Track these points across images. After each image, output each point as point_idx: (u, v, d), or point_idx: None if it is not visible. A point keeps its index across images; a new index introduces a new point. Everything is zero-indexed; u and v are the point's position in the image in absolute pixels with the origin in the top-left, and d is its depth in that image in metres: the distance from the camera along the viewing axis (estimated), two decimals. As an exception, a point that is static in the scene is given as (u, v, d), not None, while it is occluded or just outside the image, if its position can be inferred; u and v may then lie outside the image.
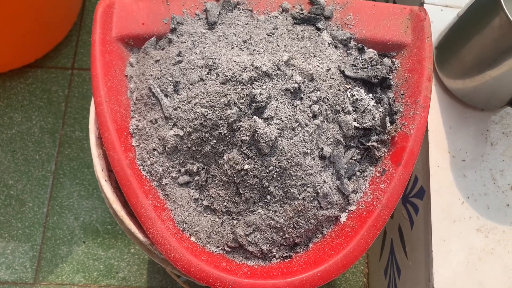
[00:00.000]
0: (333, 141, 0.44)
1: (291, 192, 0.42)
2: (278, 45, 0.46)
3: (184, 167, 0.44)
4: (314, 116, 0.43)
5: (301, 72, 0.43)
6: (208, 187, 0.44)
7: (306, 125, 0.42)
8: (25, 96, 0.97)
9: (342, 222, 0.44)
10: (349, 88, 0.46)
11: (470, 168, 0.56)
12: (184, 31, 0.48)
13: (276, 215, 0.42)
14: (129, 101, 0.47)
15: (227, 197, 0.43)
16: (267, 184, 0.42)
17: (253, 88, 0.41)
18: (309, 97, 0.43)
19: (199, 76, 0.43)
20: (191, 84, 0.43)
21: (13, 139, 0.94)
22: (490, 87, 0.53)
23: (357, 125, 0.45)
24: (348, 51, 0.49)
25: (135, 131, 0.45)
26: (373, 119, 0.46)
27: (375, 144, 0.45)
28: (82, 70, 1.01)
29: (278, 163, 0.41)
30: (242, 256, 0.43)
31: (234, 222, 0.43)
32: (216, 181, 0.43)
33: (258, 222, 0.42)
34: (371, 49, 0.49)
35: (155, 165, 0.44)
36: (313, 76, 0.43)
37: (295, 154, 0.41)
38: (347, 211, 0.44)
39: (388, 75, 0.48)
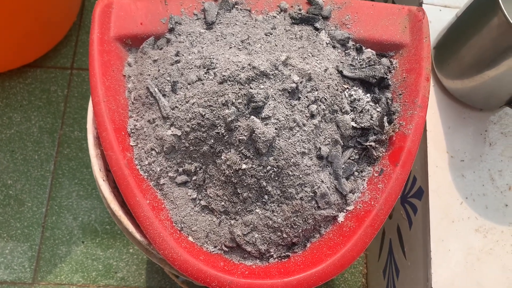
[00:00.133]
0: (331, 141, 0.44)
1: (289, 192, 0.42)
2: (276, 45, 0.46)
3: (182, 166, 0.44)
4: (312, 116, 0.43)
5: (299, 72, 0.43)
6: (206, 187, 0.44)
7: (304, 125, 0.42)
8: (24, 96, 0.97)
9: (340, 222, 0.44)
10: (347, 88, 0.46)
11: (469, 168, 0.56)
12: (182, 31, 0.48)
13: (274, 215, 0.42)
14: (127, 100, 0.47)
15: (224, 197, 0.43)
16: (264, 184, 0.42)
17: (250, 88, 0.41)
18: (306, 97, 0.43)
19: (197, 75, 0.43)
20: (189, 84, 0.43)
21: (12, 139, 0.94)
22: (489, 87, 0.53)
23: (355, 125, 0.45)
24: (346, 51, 0.49)
25: (133, 131, 0.45)
26: (371, 119, 0.46)
27: (373, 144, 0.45)
28: (81, 70, 1.01)
29: (276, 163, 0.41)
30: (239, 256, 0.43)
31: (232, 222, 0.43)
32: (214, 181, 0.43)
33: (255, 222, 0.42)
34: (369, 49, 0.49)
35: (153, 164, 0.44)
36: (311, 76, 0.43)
37: (292, 154, 0.41)
38: (345, 211, 0.44)
39: (386, 75, 0.48)
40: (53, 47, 0.99)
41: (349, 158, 0.45)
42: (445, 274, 0.52)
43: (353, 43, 0.49)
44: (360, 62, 0.48)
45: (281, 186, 0.42)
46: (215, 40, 0.47)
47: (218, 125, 0.41)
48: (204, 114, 0.42)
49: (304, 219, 0.43)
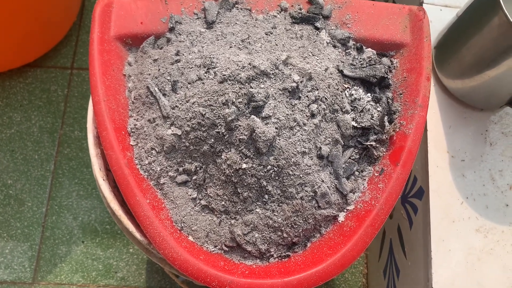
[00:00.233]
0: (331, 140, 0.44)
1: (289, 192, 0.42)
2: (277, 44, 0.46)
3: (182, 166, 0.44)
4: (312, 115, 0.43)
5: (299, 71, 0.43)
6: (206, 187, 0.44)
7: (304, 124, 0.42)
8: (25, 96, 0.97)
9: (340, 221, 0.44)
10: (348, 87, 0.46)
11: (469, 168, 0.56)
12: (182, 30, 0.48)
13: (274, 215, 0.42)
14: (127, 100, 0.47)
15: (225, 197, 0.43)
16: (265, 183, 0.41)
17: (251, 87, 0.41)
18: (307, 96, 0.43)
19: (197, 75, 0.43)
20: (189, 83, 0.43)
21: (12, 138, 0.94)
22: (489, 87, 0.53)
23: (355, 124, 0.45)
24: (346, 51, 0.49)
25: (133, 130, 0.45)
26: (372, 119, 0.46)
27: (373, 143, 0.45)
28: (81, 69, 1.01)
29: (276, 162, 0.41)
30: (240, 256, 0.43)
31: (232, 221, 0.43)
32: (214, 180, 0.43)
33: (256, 221, 0.42)
34: (369, 49, 0.49)
35: (153, 164, 0.44)
36: (311, 75, 0.43)
37: (293, 153, 0.41)
38: (345, 210, 0.44)
39: (387, 74, 0.48)
40: (53, 47, 0.99)
41: (349, 158, 0.45)
42: (446, 274, 0.52)
43: (354, 42, 0.49)
44: (361, 61, 0.48)
45: (282, 186, 0.42)
46: (216, 39, 0.46)
47: (218, 125, 0.41)
48: (205, 114, 0.42)
49: (304, 219, 0.43)
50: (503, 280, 0.52)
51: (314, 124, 0.42)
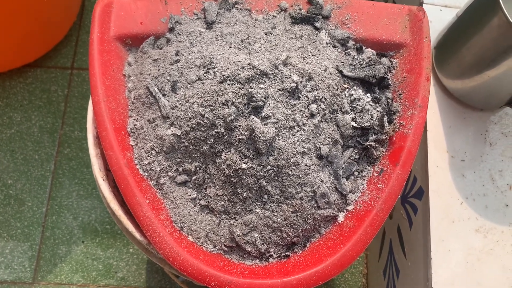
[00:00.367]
0: (331, 140, 0.44)
1: (289, 192, 0.42)
2: (276, 45, 0.46)
3: (182, 166, 0.44)
4: (312, 115, 0.43)
5: (299, 72, 0.43)
6: (206, 187, 0.44)
7: (304, 124, 0.42)
8: (25, 96, 0.97)
9: (339, 221, 0.44)
10: (347, 87, 0.46)
11: (469, 168, 0.56)
12: (182, 31, 0.48)
13: (274, 215, 0.42)
14: (127, 100, 0.47)
15: (224, 197, 0.43)
16: (264, 183, 0.41)
17: (250, 87, 0.41)
18: (306, 96, 0.43)
19: (196, 75, 0.43)
20: (188, 84, 0.43)
21: (12, 138, 0.94)
22: (489, 87, 0.53)
23: (355, 124, 0.45)
24: (346, 51, 0.49)
25: (132, 130, 0.45)
26: (371, 119, 0.46)
27: (373, 143, 0.45)
28: (81, 70, 1.01)
29: (276, 162, 0.41)
30: (239, 256, 0.43)
31: (232, 221, 0.43)
32: (214, 181, 0.43)
33: (255, 221, 0.42)
34: (369, 49, 0.49)
35: (152, 164, 0.44)
36: (311, 75, 0.43)
37: (292, 153, 0.41)
38: (344, 210, 0.44)
39: (386, 74, 0.48)
40: (54, 47, 0.99)
41: (349, 158, 0.45)
42: (445, 274, 0.52)
43: (353, 42, 0.49)
44: (360, 61, 0.48)
45: (281, 186, 0.42)
46: (215, 39, 0.47)
47: (218, 125, 0.41)
48: (204, 114, 0.42)
49: (304, 219, 0.43)
50: (502, 280, 0.52)
51: (314, 124, 0.42)
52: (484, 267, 0.53)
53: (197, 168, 0.44)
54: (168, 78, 0.45)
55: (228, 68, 0.42)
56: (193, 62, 0.44)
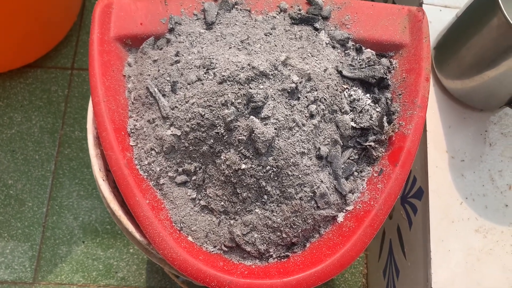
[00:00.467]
0: (330, 141, 0.44)
1: (288, 192, 0.42)
2: (276, 45, 0.46)
3: (182, 166, 0.44)
4: (311, 116, 0.43)
5: (299, 72, 0.43)
6: (206, 187, 0.44)
7: (303, 125, 0.42)
8: (25, 96, 0.98)
9: (339, 222, 0.44)
10: (347, 88, 0.46)
11: (469, 168, 0.56)
12: (182, 31, 0.48)
13: (273, 215, 0.42)
14: (127, 100, 0.47)
15: (224, 197, 0.43)
16: (264, 183, 0.42)
17: (250, 88, 0.41)
18: (306, 97, 0.43)
19: (196, 76, 0.43)
20: (188, 84, 0.44)
21: (12, 139, 0.94)
22: (489, 87, 0.53)
23: (354, 125, 0.45)
24: (345, 51, 0.49)
25: (132, 130, 0.46)
26: (371, 119, 0.46)
27: (372, 144, 0.45)
28: (81, 70, 1.01)
29: (275, 162, 0.41)
30: (239, 256, 0.43)
31: (231, 221, 0.43)
32: (214, 181, 0.43)
33: (255, 221, 0.42)
34: (369, 49, 0.49)
35: (152, 164, 0.44)
36: (311, 76, 0.43)
37: (292, 154, 0.41)
38: (344, 211, 0.44)
39: (386, 75, 0.48)
40: (54, 47, 0.99)
41: (348, 158, 0.45)
42: (445, 275, 0.52)
43: (353, 43, 0.49)
44: (360, 62, 0.48)
45: (281, 186, 0.42)
46: (215, 40, 0.47)
47: (217, 125, 0.42)
48: (204, 114, 0.42)
49: (303, 219, 0.43)
50: (502, 281, 0.53)
51: (313, 124, 0.42)
52: (483, 267, 0.53)
53: (197, 169, 0.44)
54: (168, 78, 0.45)
55: (227, 69, 0.42)
56: (193, 62, 0.44)
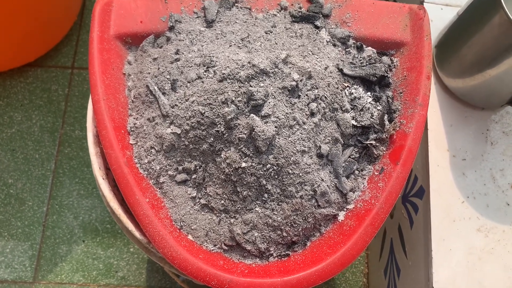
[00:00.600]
0: (331, 139, 0.44)
1: (289, 191, 0.42)
2: (276, 43, 0.45)
3: (182, 165, 0.44)
4: (312, 114, 0.42)
5: (299, 70, 0.43)
6: (206, 185, 0.43)
7: (304, 123, 0.42)
8: (25, 95, 0.97)
9: (340, 220, 0.44)
10: (347, 86, 0.46)
11: (470, 167, 0.56)
12: (182, 29, 0.48)
13: (274, 214, 0.42)
14: (127, 99, 0.47)
15: (224, 195, 0.43)
16: (264, 182, 0.41)
17: (250, 86, 0.41)
18: (306, 95, 0.42)
19: (196, 74, 0.43)
20: (188, 82, 0.43)
21: (13, 138, 0.94)
22: (490, 86, 0.53)
23: (355, 123, 0.45)
24: (346, 49, 0.48)
25: (132, 129, 0.45)
26: (372, 118, 0.45)
27: (373, 142, 0.45)
28: (82, 69, 1.01)
29: (276, 161, 0.41)
30: (239, 255, 0.43)
31: (232, 220, 0.43)
32: (214, 179, 0.43)
33: (255, 220, 0.42)
34: (369, 47, 0.49)
35: (152, 163, 0.44)
36: (311, 74, 0.43)
37: (292, 152, 0.41)
38: (345, 209, 0.44)
39: (387, 73, 0.48)
40: (54, 46, 0.99)
41: (349, 157, 0.45)
42: (446, 274, 0.52)
43: (354, 41, 0.49)
44: (361, 60, 0.48)
45: (281, 185, 0.42)
46: (215, 38, 0.46)
47: (217, 123, 0.41)
48: (204, 112, 0.41)
49: (304, 218, 0.43)
50: (504, 280, 0.52)
51: (314, 122, 0.42)
52: (485, 267, 0.52)
53: (197, 167, 0.44)
54: (168, 76, 0.45)
55: (228, 67, 0.42)
56: (193, 60, 0.44)
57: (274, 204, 0.42)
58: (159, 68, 0.46)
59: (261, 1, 0.50)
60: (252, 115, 0.40)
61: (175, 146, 0.43)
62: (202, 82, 0.43)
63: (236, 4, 0.49)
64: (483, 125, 0.58)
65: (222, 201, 0.43)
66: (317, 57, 0.46)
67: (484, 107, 0.58)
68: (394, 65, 0.49)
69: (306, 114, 0.42)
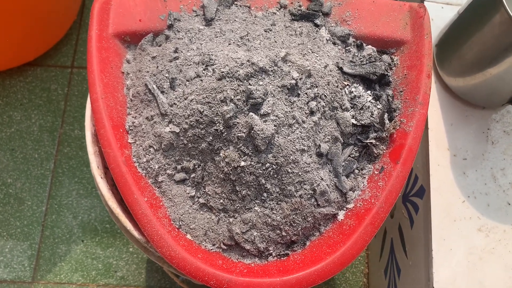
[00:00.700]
0: (331, 138, 0.44)
1: (288, 190, 0.41)
2: (276, 41, 0.45)
3: (180, 164, 0.43)
4: (312, 112, 0.42)
5: (298, 69, 0.42)
6: (204, 185, 0.43)
7: (303, 121, 0.41)
8: (25, 95, 0.97)
9: (339, 220, 0.43)
10: (347, 84, 0.46)
11: (471, 166, 0.56)
12: (181, 28, 0.47)
13: (273, 213, 0.42)
14: (125, 98, 0.46)
15: (223, 195, 0.42)
16: (263, 181, 0.41)
17: (249, 84, 0.41)
18: (306, 93, 0.42)
19: (195, 72, 0.43)
20: (187, 81, 0.43)
21: (12, 137, 0.94)
22: (491, 84, 0.53)
23: (355, 122, 0.45)
24: (346, 48, 0.48)
25: (131, 128, 0.45)
26: (372, 116, 0.45)
27: (373, 141, 0.45)
28: (81, 68, 1.00)
29: (275, 160, 0.41)
30: (238, 254, 0.43)
31: (231, 219, 0.43)
32: (213, 178, 0.43)
33: (254, 219, 0.42)
34: (370, 46, 0.49)
35: (151, 162, 0.44)
36: (311, 72, 0.43)
37: (292, 151, 0.41)
38: (344, 209, 0.44)
39: (387, 72, 0.48)
40: (54, 46, 0.99)
41: (349, 156, 0.45)
42: (447, 274, 0.52)
43: (354, 39, 0.49)
44: (361, 58, 0.47)
45: (280, 184, 0.41)
46: (214, 36, 0.46)
47: (216, 122, 0.41)
48: (203, 111, 0.41)
49: (303, 217, 0.42)
50: (505, 280, 0.52)
51: (313, 121, 0.42)
52: (486, 267, 0.52)
53: (196, 166, 0.43)
54: (166, 75, 0.44)
55: (227, 65, 0.42)
56: (191, 59, 0.44)
57: (273, 203, 0.42)
58: (157, 66, 0.45)
59: (261, -1, 0.49)
60: (251, 113, 0.40)
61: (173, 145, 0.43)
62: (201, 80, 0.42)
63: (235, 3, 0.49)
64: (484, 124, 0.57)
65: (221, 200, 0.43)
66: (317, 55, 0.45)
67: (485, 106, 0.58)
68: (394, 63, 0.48)
69: (305, 112, 0.42)
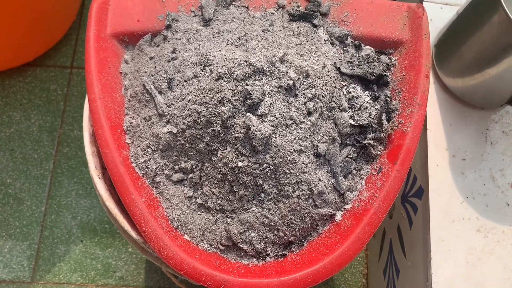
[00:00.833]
0: (329, 138, 0.44)
1: (286, 190, 0.41)
2: (274, 42, 0.45)
3: (178, 164, 0.43)
4: (309, 113, 0.42)
5: (296, 69, 0.42)
6: (202, 185, 0.43)
7: (301, 122, 0.41)
8: (24, 95, 0.97)
9: (337, 220, 0.43)
10: (345, 85, 0.46)
11: (470, 167, 0.56)
12: (179, 28, 0.47)
13: (270, 213, 0.42)
14: (123, 98, 0.46)
15: (221, 195, 0.42)
16: (261, 181, 0.41)
17: (247, 84, 0.41)
18: (304, 94, 0.42)
19: (193, 72, 0.43)
20: (185, 81, 0.43)
21: (11, 137, 0.94)
22: (490, 85, 0.53)
23: (353, 122, 0.45)
24: (344, 48, 0.48)
25: (129, 128, 0.45)
26: (370, 117, 0.45)
27: (371, 142, 0.45)
28: (81, 69, 1.00)
29: (272, 160, 0.40)
30: (236, 255, 0.43)
31: (228, 220, 0.43)
32: (210, 179, 0.43)
33: (252, 220, 0.42)
34: (368, 46, 0.49)
35: (148, 162, 0.44)
36: (308, 72, 0.43)
37: (289, 151, 0.41)
38: (342, 209, 0.44)
39: (385, 72, 0.47)
40: (53, 46, 0.99)
41: (347, 156, 0.45)
42: (446, 274, 0.52)
43: (352, 40, 0.49)
44: (359, 59, 0.47)
45: (278, 184, 0.41)
46: (212, 37, 0.46)
47: (214, 122, 0.41)
48: (200, 111, 0.41)
49: (301, 218, 0.42)
50: (503, 281, 0.52)
51: (311, 122, 0.42)
52: (484, 267, 0.52)
53: (193, 166, 0.43)
54: (164, 75, 0.44)
55: (224, 65, 0.42)
56: (189, 59, 0.44)
57: (270, 204, 0.42)
58: (155, 67, 0.45)
59: (259, -1, 0.49)
60: (248, 114, 0.40)
61: (171, 145, 0.43)
62: (199, 81, 0.42)
63: (233, 3, 0.49)
64: (482, 124, 0.57)
65: (219, 201, 0.43)
66: (315, 55, 0.45)
67: (484, 106, 0.58)
68: (393, 64, 0.48)
69: (303, 113, 0.42)
